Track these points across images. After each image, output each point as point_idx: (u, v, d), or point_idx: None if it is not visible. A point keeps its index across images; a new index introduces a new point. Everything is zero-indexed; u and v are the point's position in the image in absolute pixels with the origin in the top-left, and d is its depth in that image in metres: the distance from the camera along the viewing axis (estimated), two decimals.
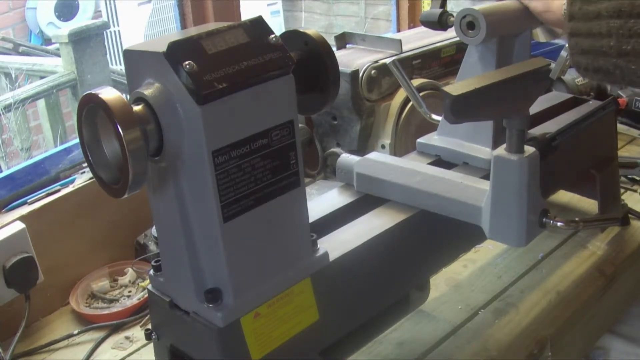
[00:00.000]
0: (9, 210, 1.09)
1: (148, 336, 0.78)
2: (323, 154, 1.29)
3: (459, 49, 1.33)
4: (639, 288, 1.24)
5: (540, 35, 1.01)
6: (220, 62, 0.62)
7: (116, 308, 1.10)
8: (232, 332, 0.68)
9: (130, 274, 1.16)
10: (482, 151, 0.96)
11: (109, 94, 0.59)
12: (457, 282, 1.10)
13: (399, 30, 1.82)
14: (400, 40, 1.28)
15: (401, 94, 1.24)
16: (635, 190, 1.34)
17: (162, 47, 0.60)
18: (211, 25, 0.65)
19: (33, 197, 1.10)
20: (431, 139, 1.01)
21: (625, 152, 1.49)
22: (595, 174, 1.09)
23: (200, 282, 0.68)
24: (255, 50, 0.64)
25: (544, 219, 0.78)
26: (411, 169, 0.89)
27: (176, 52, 0.60)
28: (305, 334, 0.74)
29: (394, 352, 0.96)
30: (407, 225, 0.86)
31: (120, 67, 3.53)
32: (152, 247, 1.16)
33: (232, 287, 0.67)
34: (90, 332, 1.06)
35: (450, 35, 1.32)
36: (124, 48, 0.68)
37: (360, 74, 1.20)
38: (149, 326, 0.78)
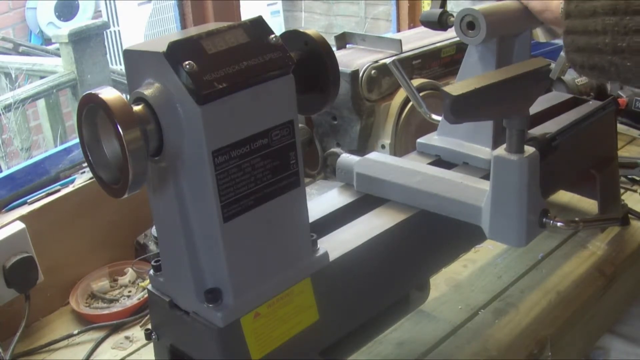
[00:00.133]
0: (9, 210, 1.09)
1: (148, 336, 0.78)
2: (323, 154, 1.29)
3: (459, 49, 1.33)
4: (639, 288, 1.24)
5: (540, 35, 1.01)
6: (220, 62, 0.62)
7: (116, 308, 1.10)
8: (232, 332, 0.68)
9: (130, 274, 1.16)
10: (482, 151, 0.96)
11: (109, 94, 0.59)
12: (457, 282, 1.10)
13: (399, 30, 1.82)
14: (400, 40, 1.28)
15: (401, 94, 1.24)
16: (635, 190, 1.34)
17: (162, 47, 0.60)
18: (211, 25, 0.65)
19: (33, 197, 1.10)
20: (431, 139, 1.01)
21: (625, 152, 1.49)
22: (595, 174, 1.09)
23: (200, 282, 0.68)
24: (255, 50, 0.64)
25: (544, 219, 0.78)
26: (411, 169, 0.89)
27: (176, 52, 0.60)
28: (305, 334, 0.74)
29: (394, 352, 0.96)
30: (407, 225, 0.86)
31: (120, 67, 3.53)
32: (152, 247, 1.16)
33: (232, 287, 0.67)
34: (90, 332, 1.06)
35: (450, 35, 1.32)
36: (124, 48, 0.68)
37: (360, 74, 1.20)
38: (149, 326, 0.78)
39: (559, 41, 1.48)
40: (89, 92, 0.60)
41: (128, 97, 0.64)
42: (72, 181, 1.15)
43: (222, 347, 0.68)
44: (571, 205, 1.28)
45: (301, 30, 0.73)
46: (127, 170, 0.59)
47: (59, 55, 3.03)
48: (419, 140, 1.02)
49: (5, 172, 1.16)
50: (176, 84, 0.61)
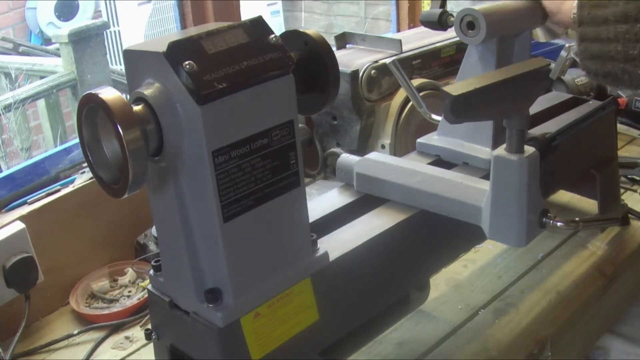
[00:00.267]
0: (9, 210, 1.09)
1: (148, 336, 0.78)
2: (323, 154, 1.29)
3: (459, 49, 1.33)
4: (639, 288, 1.24)
5: (540, 35, 1.01)
6: (220, 62, 0.62)
7: (116, 308, 1.10)
8: (232, 332, 0.68)
9: (130, 274, 1.16)
10: (482, 151, 0.96)
11: (109, 94, 0.59)
12: (457, 282, 1.10)
13: (399, 30, 1.82)
14: (400, 40, 1.28)
15: (401, 94, 1.24)
16: (635, 190, 1.34)
17: (162, 47, 0.60)
18: (211, 25, 0.65)
19: (33, 197, 1.10)
20: (431, 139, 1.01)
21: (625, 152, 1.49)
22: (595, 174, 1.09)
23: (200, 282, 0.68)
24: (255, 50, 0.64)
25: (544, 219, 0.78)
26: (411, 169, 0.89)
27: (176, 52, 0.60)
28: (305, 334, 0.74)
29: (394, 352, 0.96)
30: (407, 225, 0.86)
31: (120, 67, 3.53)
32: (152, 247, 1.16)
33: (232, 287, 0.67)
34: (90, 332, 1.06)
35: (450, 35, 1.32)
36: (124, 48, 0.68)
37: (360, 74, 1.20)
38: (149, 326, 0.78)
39: (559, 41, 1.49)
40: (89, 92, 0.60)
41: (128, 97, 0.64)
42: (72, 181, 1.15)
43: (222, 347, 0.68)
44: (571, 205, 1.28)
45: (301, 30, 0.73)
46: (127, 170, 0.59)
47: (59, 55, 3.03)
48: (419, 140, 1.02)
49: (5, 172, 1.16)
50: (176, 84, 0.61)
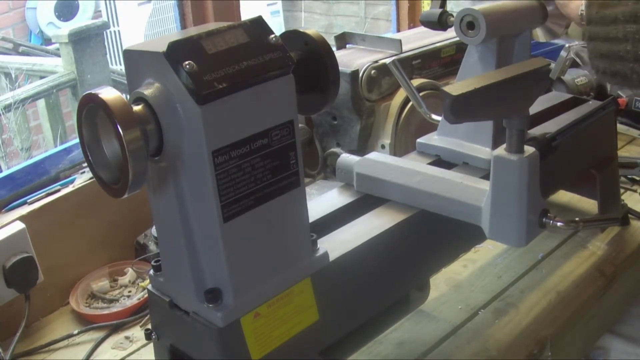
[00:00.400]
0: (9, 210, 1.09)
1: (148, 336, 0.78)
2: (323, 154, 1.29)
3: (459, 49, 1.33)
4: (639, 288, 1.24)
5: (540, 35, 1.01)
6: (220, 62, 0.62)
7: (116, 308, 1.10)
8: (232, 332, 0.68)
9: (130, 274, 1.15)
10: (482, 151, 0.96)
11: (109, 94, 0.59)
12: (457, 282, 1.10)
13: (399, 30, 1.82)
14: (400, 40, 1.28)
15: (401, 94, 1.24)
16: (635, 190, 1.34)
17: (162, 47, 0.60)
18: (211, 25, 0.65)
19: (33, 197, 1.10)
20: (431, 139, 1.01)
21: (625, 152, 1.49)
22: (595, 174, 1.09)
23: (200, 282, 0.68)
24: (255, 50, 0.64)
25: (544, 219, 0.78)
26: (411, 169, 0.89)
27: (176, 52, 0.60)
28: (305, 334, 0.74)
29: (394, 352, 0.96)
30: (407, 225, 0.86)
31: (120, 67, 3.53)
32: (152, 247, 1.16)
33: (232, 287, 0.67)
34: (90, 332, 1.06)
35: (450, 35, 1.32)
36: (124, 48, 0.68)
37: (360, 74, 1.20)
38: (149, 326, 0.78)
39: (559, 41, 1.49)
40: (89, 92, 0.60)
41: (128, 97, 0.64)
42: (72, 181, 1.15)
43: (222, 347, 0.68)
44: (571, 205, 1.28)
45: (301, 30, 0.73)
46: (127, 170, 0.59)
47: (59, 55, 3.03)
48: (419, 140, 1.02)
49: (5, 172, 1.16)
50: (176, 84, 0.61)
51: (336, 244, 0.79)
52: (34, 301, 1.04)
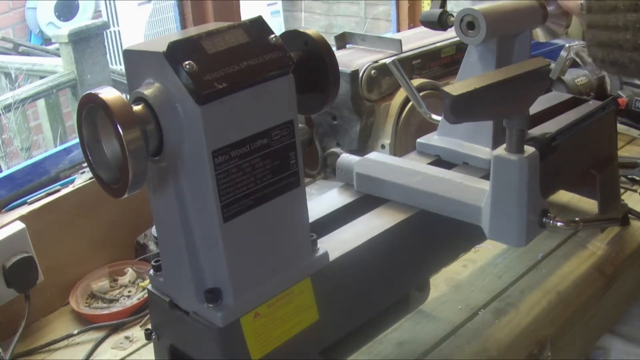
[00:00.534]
0: (9, 210, 1.09)
1: (148, 336, 0.78)
2: (323, 154, 1.29)
3: (459, 49, 1.33)
4: (639, 288, 1.24)
5: (540, 35, 1.01)
6: (220, 62, 0.62)
7: (116, 308, 1.10)
8: (232, 332, 0.68)
9: (130, 274, 1.15)
10: (482, 151, 0.96)
11: (109, 94, 0.59)
12: (457, 282, 1.10)
13: (399, 30, 1.82)
14: (400, 40, 1.28)
15: (401, 94, 1.24)
16: (635, 190, 1.34)
17: (162, 47, 0.60)
18: (211, 25, 0.65)
19: (33, 197, 1.10)
20: (431, 139, 1.01)
21: (625, 152, 1.49)
22: (595, 174, 1.09)
23: (200, 282, 0.68)
24: (255, 50, 0.64)
25: (544, 219, 0.78)
26: (411, 169, 0.89)
27: (176, 52, 0.60)
28: (305, 334, 0.74)
29: (394, 352, 0.96)
30: (407, 225, 0.86)
31: (120, 67, 3.53)
32: (152, 247, 1.16)
33: (232, 287, 0.67)
34: (90, 332, 1.06)
35: (450, 35, 1.32)
36: (124, 48, 0.68)
37: (360, 74, 1.20)
38: (149, 326, 0.78)
39: (559, 41, 1.49)
40: (89, 92, 0.60)
41: (128, 97, 0.64)
42: (72, 181, 1.15)
43: (222, 347, 0.68)
44: (571, 205, 1.28)
45: (301, 30, 0.73)
46: (127, 170, 0.59)
47: (59, 55, 3.03)
48: (419, 140, 1.02)
49: (5, 172, 1.16)
50: (176, 84, 0.61)
51: (336, 244, 0.79)
52: (34, 301, 1.04)
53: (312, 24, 4.29)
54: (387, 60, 1.04)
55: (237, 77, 0.62)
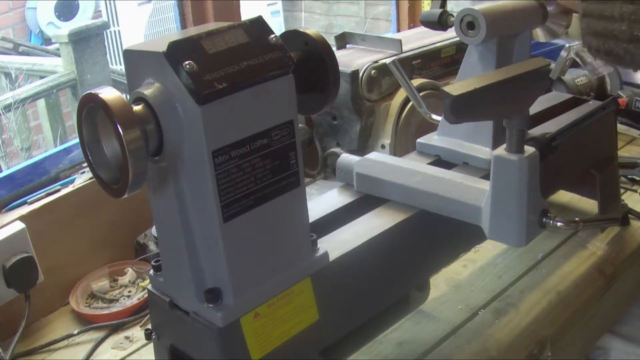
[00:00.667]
0: (9, 210, 1.09)
1: (148, 336, 0.78)
2: (323, 154, 1.29)
3: (459, 49, 1.33)
4: (639, 288, 1.24)
5: (540, 35, 1.01)
6: (221, 62, 0.62)
7: (116, 308, 1.10)
8: (232, 332, 0.68)
9: (130, 274, 1.16)
10: (482, 151, 0.96)
11: (109, 94, 0.59)
12: (457, 282, 1.10)
13: (399, 30, 1.82)
14: (400, 40, 1.28)
15: (401, 94, 1.24)
16: (635, 190, 1.34)
17: (162, 47, 0.60)
18: (211, 25, 0.65)
19: (33, 197, 1.10)
20: (431, 139, 1.01)
21: (625, 152, 1.49)
22: (595, 174, 1.09)
23: (200, 282, 0.68)
24: (255, 50, 0.64)
25: (544, 219, 0.78)
26: (411, 169, 0.89)
27: (176, 52, 0.60)
28: (305, 334, 0.74)
29: (394, 352, 0.96)
30: (407, 225, 0.86)
31: (120, 67, 3.53)
32: (152, 247, 1.16)
33: (232, 287, 0.67)
34: (90, 332, 1.06)
35: (450, 35, 1.32)
36: (124, 48, 0.68)
37: (360, 74, 1.20)
38: (149, 326, 0.78)
39: (559, 41, 1.49)
40: (89, 92, 0.60)
41: (128, 97, 0.64)
42: (72, 181, 1.15)
43: (222, 347, 0.68)
44: (571, 205, 1.28)
45: (301, 30, 0.73)
46: (127, 170, 0.59)
47: (59, 55, 3.03)
48: (419, 140, 1.02)
49: (5, 172, 1.16)
50: (176, 84, 0.61)
51: (336, 244, 0.79)
52: (34, 301, 1.04)
53: (312, 24, 4.29)
54: (387, 60, 1.04)
55: (237, 77, 0.62)
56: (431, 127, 1.03)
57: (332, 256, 0.77)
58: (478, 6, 0.90)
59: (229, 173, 0.64)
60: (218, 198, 0.64)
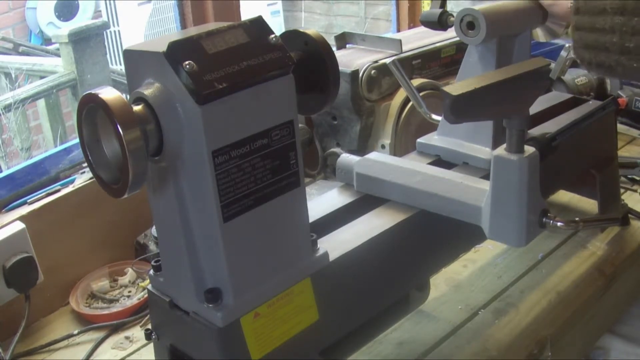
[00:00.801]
0: (9, 210, 1.09)
1: (148, 336, 0.78)
2: (323, 154, 1.29)
3: (459, 49, 1.33)
4: (639, 288, 1.24)
5: (540, 35, 1.01)
6: (221, 62, 0.62)
7: (116, 308, 1.10)
8: (232, 332, 0.68)
9: (130, 274, 1.16)
10: (482, 151, 0.96)
11: (109, 94, 0.59)
12: (457, 282, 1.10)
13: (399, 30, 1.82)
14: (400, 40, 1.28)
15: (401, 94, 1.24)
16: (635, 190, 1.34)
17: (162, 47, 0.60)
18: (211, 25, 0.65)
19: (33, 197, 1.10)
20: (431, 139, 1.01)
21: (625, 152, 1.49)
22: (595, 174, 1.09)
23: (200, 282, 0.68)
24: (255, 50, 0.64)
25: (544, 219, 0.78)
26: (411, 169, 0.89)
27: (176, 52, 0.60)
28: (305, 334, 0.74)
29: (394, 352, 0.96)
30: (407, 225, 0.86)
31: (120, 67, 3.53)
32: (152, 247, 1.16)
33: (232, 287, 0.67)
34: (90, 332, 1.06)
35: (450, 35, 1.32)
36: (124, 48, 0.68)
37: (360, 74, 1.20)
38: (149, 326, 0.78)
39: (559, 41, 1.49)
40: (89, 92, 0.60)
41: (128, 97, 0.64)
42: (72, 181, 1.15)
43: (222, 347, 0.68)
44: (571, 205, 1.28)
45: (301, 30, 0.73)
46: (127, 170, 0.59)
47: (59, 55, 3.03)
48: (419, 140, 1.02)
49: (5, 172, 1.16)
50: (176, 84, 0.61)
51: (336, 244, 0.79)
52: (34, 301, 1.04)
53: (312, 24, 4.29)
54: (387, 60, 1.04)
55: (237, 77, 0.62)
56: (431, 127, 1.03)
57: (332, 256, 0.77)
58: (478, 6, 0.90)
59: (229, 173, 0.64)
60: (218, 198, 0.64)
